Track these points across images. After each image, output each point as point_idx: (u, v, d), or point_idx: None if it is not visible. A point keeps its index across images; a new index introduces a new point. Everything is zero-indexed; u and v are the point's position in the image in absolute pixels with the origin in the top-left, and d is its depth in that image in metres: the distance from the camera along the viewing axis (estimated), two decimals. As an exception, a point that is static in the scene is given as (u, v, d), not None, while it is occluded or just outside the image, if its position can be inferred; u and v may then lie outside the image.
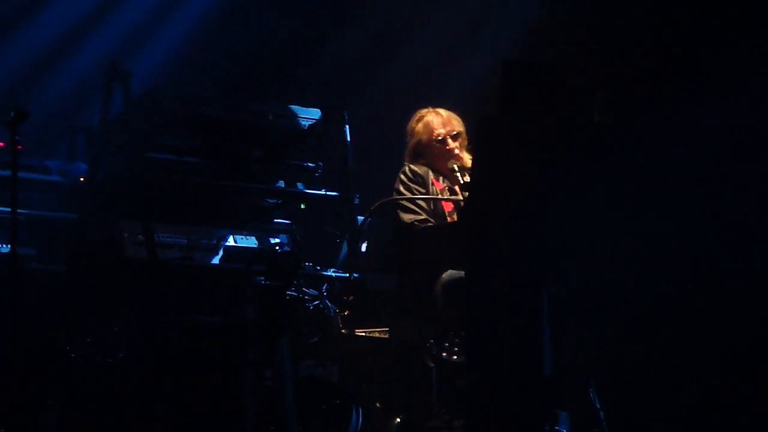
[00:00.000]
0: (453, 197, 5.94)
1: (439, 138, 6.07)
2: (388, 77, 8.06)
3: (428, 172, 6.04)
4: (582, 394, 4.99)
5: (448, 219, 5.87)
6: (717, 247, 6.15)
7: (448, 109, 6.21)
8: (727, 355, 6.12)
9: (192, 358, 4.97)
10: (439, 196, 5.94)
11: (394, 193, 5.98)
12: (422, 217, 5.82)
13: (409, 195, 5.92)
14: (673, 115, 6.20)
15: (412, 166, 6.07)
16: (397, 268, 5.88)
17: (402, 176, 6.02)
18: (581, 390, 4.98)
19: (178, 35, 8.26)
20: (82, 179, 5.66)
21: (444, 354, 5.47)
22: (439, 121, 6.12)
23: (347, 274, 5.67)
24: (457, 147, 6.07)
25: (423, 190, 5.97)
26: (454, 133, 6.07)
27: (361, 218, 5.78)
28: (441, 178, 6.06)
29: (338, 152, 5.71)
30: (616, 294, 4.72)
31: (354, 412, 5.53)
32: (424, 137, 6.11)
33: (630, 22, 6.87)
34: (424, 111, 6.20)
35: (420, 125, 6.15)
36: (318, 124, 5.59)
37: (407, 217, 5.84)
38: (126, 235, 5.28)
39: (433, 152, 6.09)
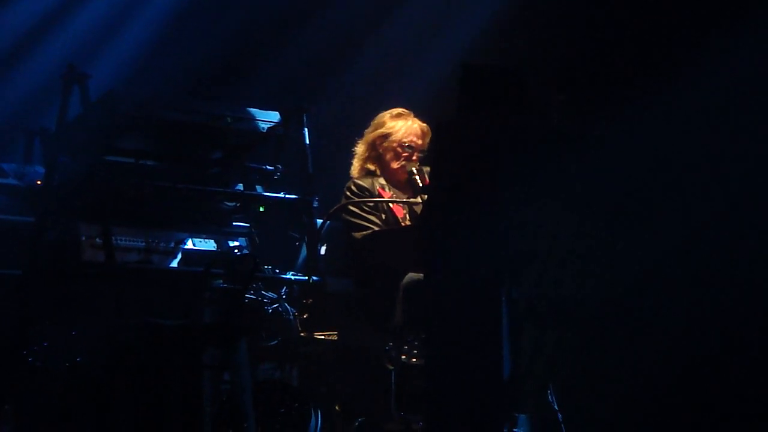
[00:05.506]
0: (403, 200, 5.94)
1: (411, 145, 6.05)
2: (348, 79, 8.06)
3: (373, 184, 6.03)
4: (540, 396, 5.01)
5: (402, 224, 5.88)
6: (676, 251, 6.18)
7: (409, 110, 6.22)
8: (685, 358, 6.15)
9: (150, 361, 4.94)
10: (389, 199, 5.93)
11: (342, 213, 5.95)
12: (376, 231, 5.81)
13: (357, 210, 5.89)
14: (632, 117, 6.23)
15: (356, 180, 6.04)
16: (355, 272, 5.87)
17: (348, 192, 6.00)
18: (539, 392, 4.99)
19: (137, 38, 8.22)
20: (39, 182, 5.62)
21: (403, 357, 5.47)
22: (419, 132, 6.10)
23: (306, 277, 5.66)
24: (416, 160, 6.06)
25: (371, 204, 5.95)
26: (423, 149, 6.07)
27: (320, 221, 5.77)
28: (387, 187, 6.04)
29: (297, 155, 5.70)
30: (574, 297, 4.73)
31: (313, 415, 5.53)
32: (398, 135, 6.06)
33: (589, 24, 6.90)
34: (404, 111, 6.17)
35: (400, 122, 6.11)
36: (277, 126, 5.58)
37: (360, 235, 5.82)
38: (83, 238, 5.25)
39: (396, 153, 6.07)
